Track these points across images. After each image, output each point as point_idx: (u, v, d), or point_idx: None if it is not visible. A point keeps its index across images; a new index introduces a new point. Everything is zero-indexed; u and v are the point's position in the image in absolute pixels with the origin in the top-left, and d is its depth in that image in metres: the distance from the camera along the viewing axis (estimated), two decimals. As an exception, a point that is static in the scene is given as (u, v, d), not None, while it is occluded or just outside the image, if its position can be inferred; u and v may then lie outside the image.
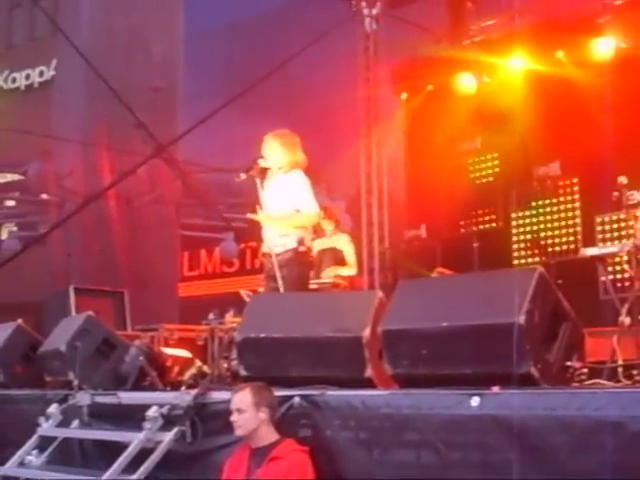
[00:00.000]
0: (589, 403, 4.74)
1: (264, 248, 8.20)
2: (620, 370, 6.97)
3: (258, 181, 8.20)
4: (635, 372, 6.96)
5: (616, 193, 8.38)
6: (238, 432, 5.66)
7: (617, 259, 9.21)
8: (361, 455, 5.48)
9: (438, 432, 5.15)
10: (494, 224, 14.19)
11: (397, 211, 14.86)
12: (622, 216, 9.22)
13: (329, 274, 9.97)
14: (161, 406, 6.31)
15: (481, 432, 5.00)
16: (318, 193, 15.59)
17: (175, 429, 6.19)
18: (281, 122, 19.75)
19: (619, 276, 10.07)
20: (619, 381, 6.73)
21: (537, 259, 13.31)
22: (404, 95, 15.43)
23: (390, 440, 5.37)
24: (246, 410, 5.59)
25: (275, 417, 5.68)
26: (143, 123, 14.67)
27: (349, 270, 10.13)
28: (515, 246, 13.91)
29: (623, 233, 11.34)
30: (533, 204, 13.80)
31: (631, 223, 8.32)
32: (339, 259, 10.19)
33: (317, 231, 10.63)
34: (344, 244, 10.32)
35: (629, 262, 8.02)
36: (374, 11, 14.52)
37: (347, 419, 5.58)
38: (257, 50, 18.27)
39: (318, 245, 10.41)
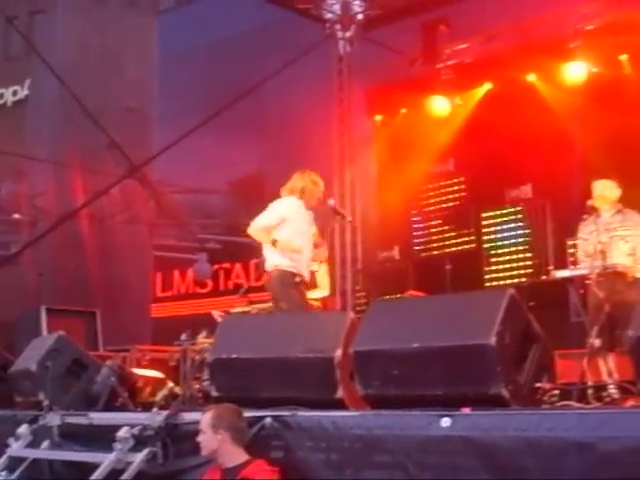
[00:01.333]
0: (559, 424, 4.77)
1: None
2: (590, 392, 7.00)
3: None
4: (604, 394, 7.01)
5: (586, 216, 8.47)
6: (202, 452, 5.72)
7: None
8: (332, 476, 5.47)
9: (409, 453, 5.15)
10: (467, 246, 14.25)
11: (370, 233, 14.90)
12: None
13: None
14: (132, 427, 6.28)
15: (452, 453, 5.01)
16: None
17: (146, 450, 6.16)
18: (255, 144, 19.86)
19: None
20: (589, 402, 6.76)
21: (509, 281, 13.38)
22: (378, 117, 15.50)
23: (361, 461, 5.37)
24: (205, 431, 5.66)
25: (243, 439, 5.68)
26: (116, 143, 14.63)
27: (320, 292, 10.12)
28: (487, 268, 13.97)
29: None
30: (505, 226, 13.88)
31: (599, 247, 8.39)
32: (312, 281, 10.19)
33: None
34: (318, 266, 10.31)
35: (598, 284, 8.09)
36: (348, 34, 14.63)
37: (318, 440, 5.57)
38: (232, 71, 18.30)
39: None
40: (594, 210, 8.43)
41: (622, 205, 8.72)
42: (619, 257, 8.31)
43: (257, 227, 8.86)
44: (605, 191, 8.72)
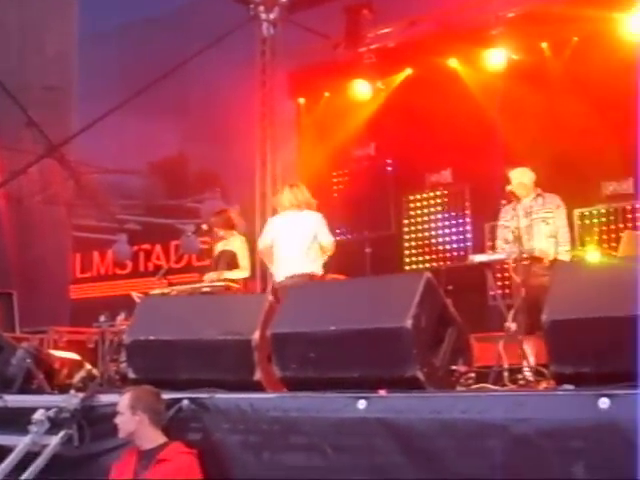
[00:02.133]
0: (473, 406, 4.84)
1: None
2: (505, 374, 7.11)
3: None
4: (520, 376, 7.13)
5: (504, 201, 8.57)
6: (119, 434, 5.72)
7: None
8: (250, 458, 5.50)
9: (326, 435, 5.19)
10: (387, 230, 14.33)
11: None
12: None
13: (214, 277, 9.96)
14: (48, 409, 6.22)
15: (368, 435, 5.06)
16: (213, 198, 15.66)
17: (62, 432, 6.11)
18: (177, 125, 19.71)
19: (506, 282, 10.25)
20: (504, 385, 6.87)
21: (428, 265, 13.50)
22: (301, 100, 15.49)
23: (279, 443, 5.40)
24: (123, 413, 5.65)
25: (161, 420, 5.67)
26: (35, 122, 14.41)
27: (240, 273, 10.12)
28: (407, 252, 14.07)
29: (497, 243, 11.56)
30: (425, 210, 13.99)
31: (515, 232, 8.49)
32: (231, 261, 10.19)
33: (212, 235, 10.74)
34: (238, 246, 10.31)
35: (515, 269, 8.21)
36: (272, 16, 14.54)
37: (236, 422, 5.59)
38: (154, 52, 18.10)
39: (218, 248, 10.47)
40: (514, 197, 8.50)
41: (541, 189, 8.80)
42: (540, 240, 8.39)
43: None
44: (523, 178, 8.79)
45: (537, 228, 8.47)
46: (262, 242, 9.70)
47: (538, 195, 8.71)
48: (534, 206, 8.62)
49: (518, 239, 8.20)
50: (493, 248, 12.49)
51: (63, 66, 17.91)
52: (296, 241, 9.29)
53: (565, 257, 8.38)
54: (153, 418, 5.64)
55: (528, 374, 7.12)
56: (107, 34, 20.49)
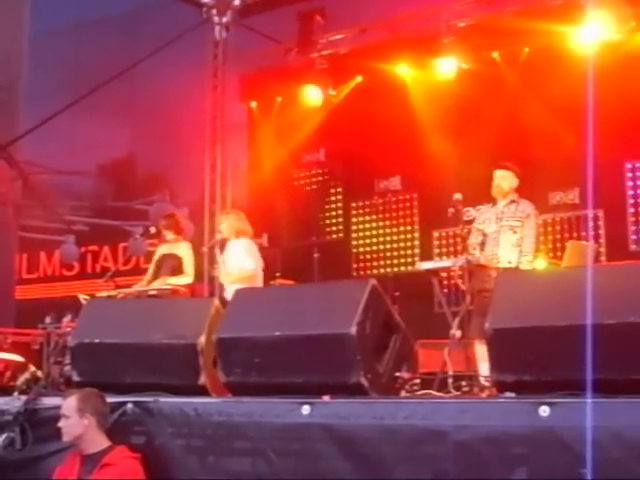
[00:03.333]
0: (416, 412, 4.89)
1: None
2: (450, 381, 7.17)
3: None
4: (464, 383, 7.19)
5: (452, 209, 8.62)
6: (64, 438, 5.66)
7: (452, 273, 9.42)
8: (193, 463, 5.50)
9: (269, 440, 5.21)
10: (335, 235, 14.38)
11: (240, 219, 14.86)
12: (458, 231, 9.45)
13: (159, 284, 9.95)
14: (-10, 411, 6.18)
15: (312, 440, 5.09)
16: (162, 200, 15.57)
17: (3, 435, 6.06)
18: (126, 126, 19.59)
19: (453, 290, 10.33)
20: (449, 392, 6.92)
21: (375, 271, 13.56)
22: (252, 104, 15.48)
23: (223, 448, 5.41)
24: (70, 416, 5.59)
25: (106, 424, 5.64)
26: (-18, 121, 14.28)
27: (184, 279, 10.11)
28: (355, 258, 14.13)
29: (459, 248, 11.63)
30: (373, 217, 14.06)
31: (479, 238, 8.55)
32: (176, 266, 10.17)
33: (160, 237, 10.71)
34: (184, 252, 10.30)
35: (462, 277, 8.27)
36: (224, 19, 14.51)
37: (180, 426, 5.59)
38: (107, 51, 18.00)
39: (161, 251, 10.44)
40: (460, 203, 8.53)
41: (518, 196, 8.77)
42: (506, 247, 8.36)
43: None
44: (501, 181, 8.77)
45: (504, 236, 8.44)
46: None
47: (512, 202, 8.62)
48: (505, 212, 8.57)
49: (481, 245, 8.27)
50: (440, 255, 12.71)
51: (11, 64, 17.71)
52: None
53: (527, 267, 8.37)
54: (100, 421, 5.62)
55: (472, 382, 7.19)
56: (60, 33, 20.34)
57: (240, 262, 9.81)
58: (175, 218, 10.74)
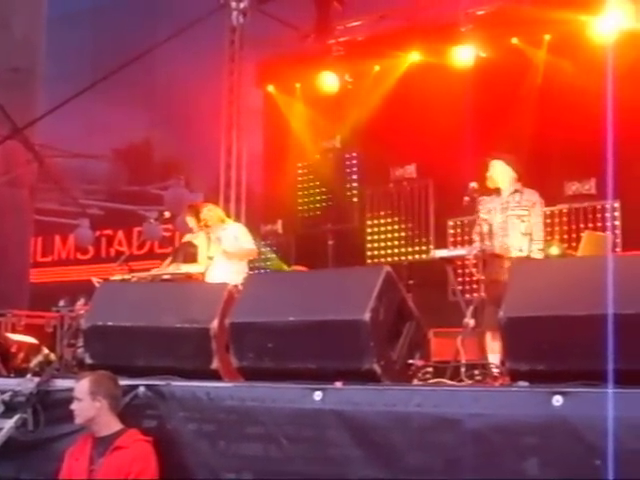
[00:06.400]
0: (428, 400, 4.87)
1: None
2: (462, 370, 7.15)
3: None
4: (476, 372, 7.17)
5: (467, 198, 8.58)
6: (77, 420, 5.66)
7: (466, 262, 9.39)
8: (205, 446, 5.50)
9: (281, 425, 5.20)
10: (350, 222, 14.36)
11: (254, 205, 14.88)
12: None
13: (172, 270, 10.01)
14: (3, 392, 6.18)
15: (324, 427, 5.08)
16: (177, 185, 15.58)
17: (16, 416, 6.06)
18: (143, 111, 19.61)
19: (467, 279, 10.31)
20: (461, 380, 6.90)
21: (390, 259, 13.54)
22: (269, 90, 15.47)
23: (234, 432, 5.40)
24: (83, 399, 5.59)
25: (118, 407, 5.64)
26: (-1, 103, 14.27)
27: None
28: (369, 245, 14.11)
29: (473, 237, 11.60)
30: (388, 204, 14.03)
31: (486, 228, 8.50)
32: (190, 255, 10.24)
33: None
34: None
35: (476, 265, 8.24)
36: (242, 5, 14.49)
37: (192, 410, 5.59)
38: (125, 35, 18.00)
39: (187, 238, 10.61)
40: (476, 192, 8.51)
41: (521, 185, 8.74)
42: (515, 236, 8.33)
43: None
44: (491, 171, 8.74)
45: (511, 225, 8.40)
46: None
47: (516, 191, 8.55)
48: (510, 202, 8.51)
49: (489, 234, 8.23)
50: (455, 244, 12.66)
51: (30, 48, 17.72)
52: None
53: (538, 255, 8.32)
54: (112, 404, 5.62)
55: (485, 370, 7.16)
56: (79, 16, 20.37)
57: (240, 243, 10.10)
58: (195, 209, 10.82)
